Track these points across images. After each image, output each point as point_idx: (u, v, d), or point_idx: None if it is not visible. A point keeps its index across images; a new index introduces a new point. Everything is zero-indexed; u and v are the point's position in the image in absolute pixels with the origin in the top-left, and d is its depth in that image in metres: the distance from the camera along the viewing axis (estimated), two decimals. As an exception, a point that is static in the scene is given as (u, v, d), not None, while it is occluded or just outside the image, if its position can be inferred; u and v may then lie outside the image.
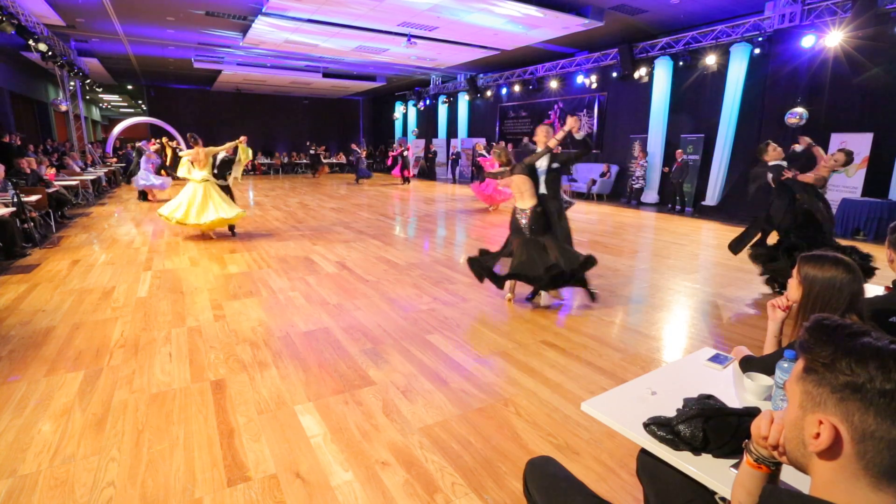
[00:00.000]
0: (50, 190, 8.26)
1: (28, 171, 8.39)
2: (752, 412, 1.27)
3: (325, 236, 7.70)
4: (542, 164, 4.34)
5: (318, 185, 16.84)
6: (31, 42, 9.53)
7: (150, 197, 11.72)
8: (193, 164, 7.01)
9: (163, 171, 12.83)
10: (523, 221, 4.28)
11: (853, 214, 8.14)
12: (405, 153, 16.56)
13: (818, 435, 0.71)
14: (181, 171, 7.20)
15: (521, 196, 4.30)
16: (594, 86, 13.49)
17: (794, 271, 1.66)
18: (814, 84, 8.90)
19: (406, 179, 16.89)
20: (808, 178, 4.75)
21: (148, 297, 4.60)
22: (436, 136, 21.28)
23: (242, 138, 7.36)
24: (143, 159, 11.72)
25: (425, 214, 10.53)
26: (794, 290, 1.65)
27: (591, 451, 2.34)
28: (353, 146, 18.80)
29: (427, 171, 20.79)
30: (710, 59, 10.41)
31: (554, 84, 14.48)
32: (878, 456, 0.66)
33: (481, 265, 4.41)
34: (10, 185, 6.85)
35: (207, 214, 6.88)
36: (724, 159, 10.57)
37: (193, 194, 6.96)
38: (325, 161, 23.02)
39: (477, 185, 11.13)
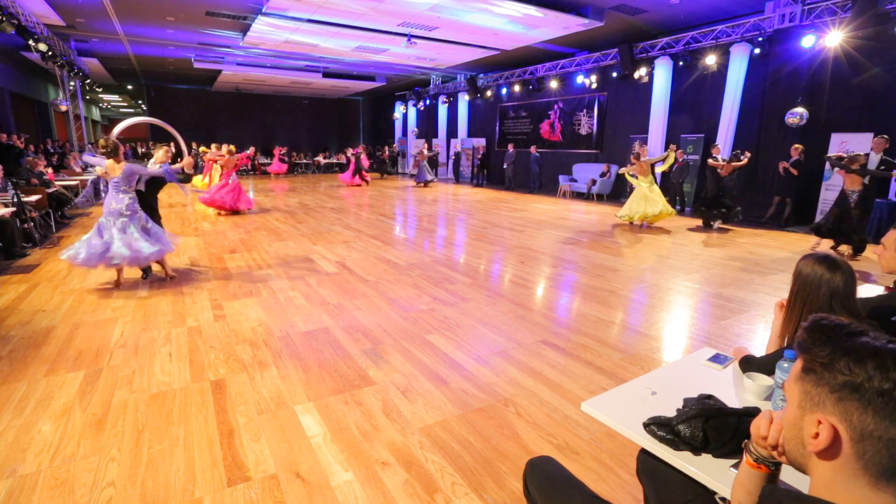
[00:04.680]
0: (50, 190, 8.26)
1: (35, 171, 8.41)
2: (752, 412, 1.27)
3: (325, 236, 7.70)
4: None
5: (318, 185, 16.84)
6: (31, 42, 9.54)
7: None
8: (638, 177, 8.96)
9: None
10: None
11: (853, 214, 8.12)
12: (360, 155, 16.73)
13: (817, 435, 0.71)
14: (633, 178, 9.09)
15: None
16: (594, 86, 13.48)
17: None
18: (814, 84, 8.90)
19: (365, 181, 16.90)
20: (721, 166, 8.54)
21: (148, 297, 4.60)
22: (436, 136, 21.28)
23: (672, 147, 9.31)
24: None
25: (426, 214, 10.53)
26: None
27: (591, 451, 2.34)
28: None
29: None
30: (710, 59, 10.40)
31: (554, 84, 14.47)
32: (877, 455, 0.66)
33: None
34: (10, 184, 6.85)
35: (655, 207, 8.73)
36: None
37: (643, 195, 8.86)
38: (325, 161, 23.03)
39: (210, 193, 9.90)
